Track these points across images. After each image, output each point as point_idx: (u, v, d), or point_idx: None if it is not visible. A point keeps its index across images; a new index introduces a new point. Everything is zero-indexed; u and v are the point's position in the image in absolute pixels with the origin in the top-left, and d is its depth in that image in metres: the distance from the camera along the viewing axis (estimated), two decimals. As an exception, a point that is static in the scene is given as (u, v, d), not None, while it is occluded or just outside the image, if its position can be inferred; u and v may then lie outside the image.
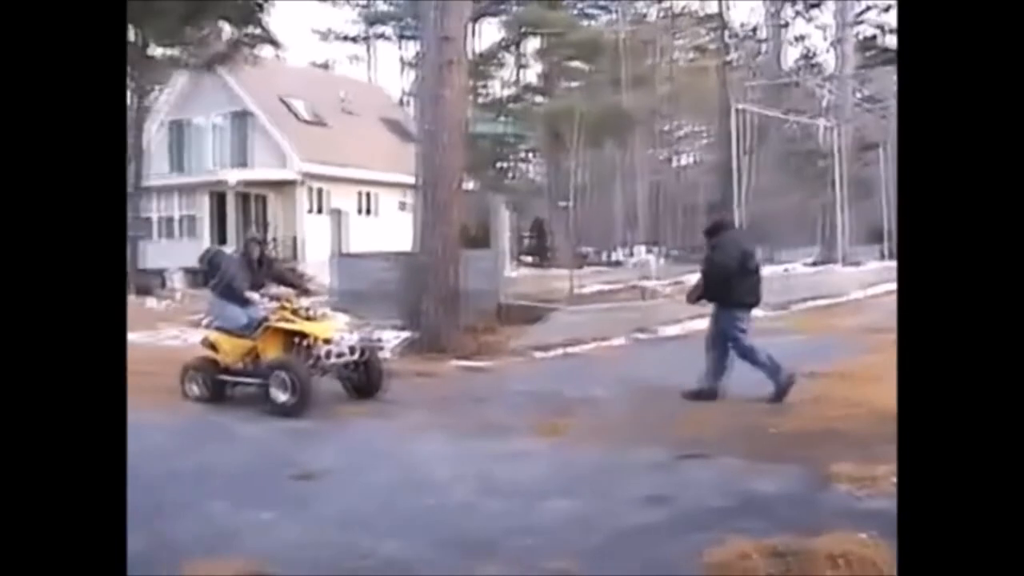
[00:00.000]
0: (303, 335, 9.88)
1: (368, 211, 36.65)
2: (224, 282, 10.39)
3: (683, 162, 79.28)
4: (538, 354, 13.61)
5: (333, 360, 9.89)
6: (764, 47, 51.65)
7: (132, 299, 25.34)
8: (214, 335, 10.46)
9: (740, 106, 27.74)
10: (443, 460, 7.47)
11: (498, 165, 51.81)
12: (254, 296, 10.12)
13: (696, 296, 10.05)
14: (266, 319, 10.00)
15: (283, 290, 10.46)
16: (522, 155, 59.72)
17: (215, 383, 10.25)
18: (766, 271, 25.49)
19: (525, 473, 7.01)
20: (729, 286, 9.54)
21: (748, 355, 9.56)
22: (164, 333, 18.34)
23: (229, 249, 29.21)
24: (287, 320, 9.89)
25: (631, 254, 41.54)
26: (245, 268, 10.42)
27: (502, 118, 45.69)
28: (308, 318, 9.95)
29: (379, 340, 13.50)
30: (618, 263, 39.76)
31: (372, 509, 6.16)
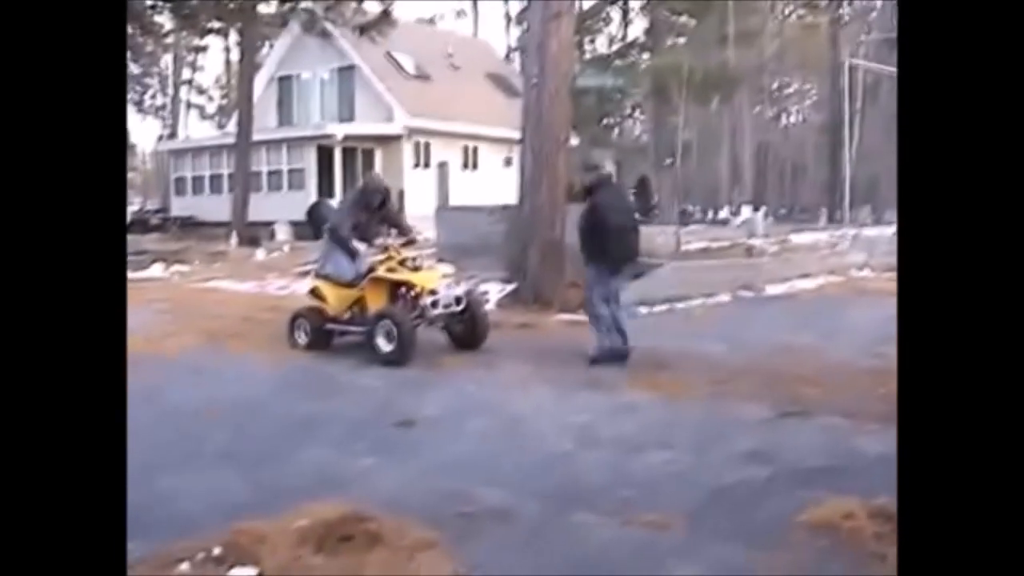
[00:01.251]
0: (409, 285, 9.95)
1: (473, 166, 36.71)
2: (338, 226, 10.46)
3: (790, 120, 77.89)
4: (642, 309, 13.51)
5: (438, 311, 9.96)
6: (878, 1, 50.24)
7: (243, 251, 25.87)
8: (322, 285, 10.58)
9: (851, 62, 27.00)
10: (544, 411, 7.49)
11: (603, 121, 51.41)
12: (360, 248, 10.18)
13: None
14: (372, 269, 10.08)
15: (390, 241, 10.50)
16: (627, 112, 59.20)
17: (322, 332, 10.40)
18: (875, 231, 24.90)
19: (625, 426, 7.00)
20: (605, 243, 9.52)
21: (596, 313, 9.64)
22: (272, 283, 18.65)
23: (334, 202, 29.67)
24: (393, 271, 9.96)
25: (736, 213, 40.95)
26: (361, 211, 10.45)
27: (607, 73, 45.26)
28: (414, 269, 10.02)
29: (484, 292, 13.55)
30: (723, 221, 39.26)
31: (473, 458, 6.22)
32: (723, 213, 45.55)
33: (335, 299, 10.37)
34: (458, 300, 10.09)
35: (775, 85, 64.15)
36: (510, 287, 14.42)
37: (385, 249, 10.27)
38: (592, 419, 7.21)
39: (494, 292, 14.25)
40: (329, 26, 31.34)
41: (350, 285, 10.27)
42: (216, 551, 4.41)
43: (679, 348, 10.23)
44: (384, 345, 9.48)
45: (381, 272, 10.00)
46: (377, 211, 10.62)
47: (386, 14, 30.08)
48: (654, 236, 23.77)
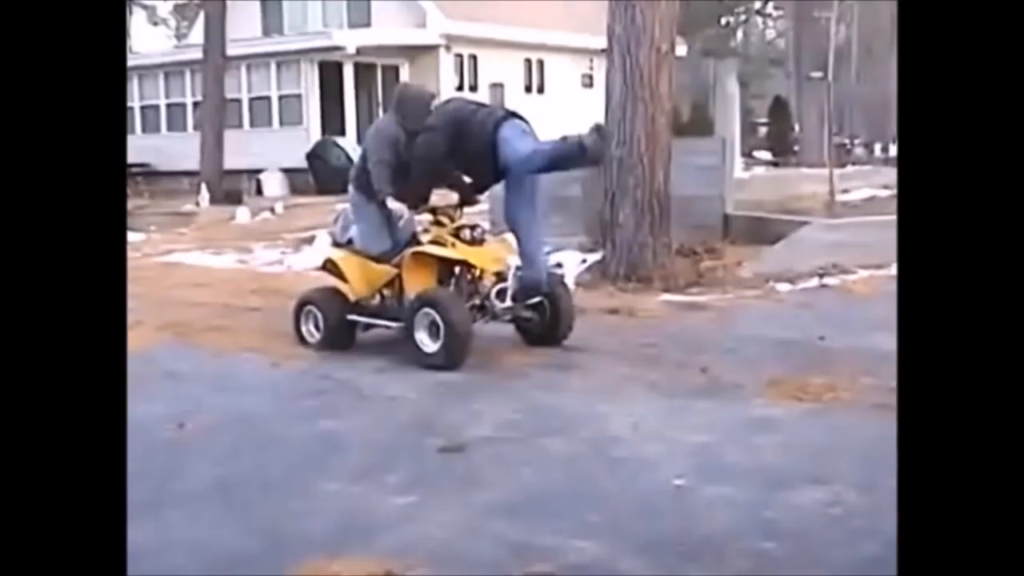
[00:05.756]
0: (466, 265, 9.93)
1: (538, 88, 36.69)
2: (372, 168, 10.12)
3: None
4: (781, 286, 13.48)
5: (507, 303, 9.85)
6: None
7: (218, 211, 26.13)
8: (341, 257, 10.52)
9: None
10: (648, 430, 7.53)
11: (722, 20, 51.13)
12: (399, 208, 9.97)
13: None
14: (414, 238, 10.06)
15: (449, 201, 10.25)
16: (755, 6, 58.78)
17: (341, 324, 10.34)
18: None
19: (763, 450, 7.03)
20: None
21: None
22: (261, 256, 18.80)
23: (346, 141, 29.73)
24: (442, 243, 9.83)
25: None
26: (402, 141, 10.09)
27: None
28: (472, 241, 9.82)
29: (558, 265, 13.51)
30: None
31: (549, 496, 6.28)
32: (896, 149, 45.14)
33: (360, 278, 10.29)
34: (537, 290, 9.98)
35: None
36: (593, 257, 14.45)
37: (433, 211, 10.11)
38: (715, 440, 7.24)
39: (571, 264, 14.27)
40: None
41: (382, 259, 10.17)
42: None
43: (836, 340, 10.21)
44: (427, 343, 9.41)
45: (426, 246, 9.91)
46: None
47: None
48: (798, 182, 23.69)
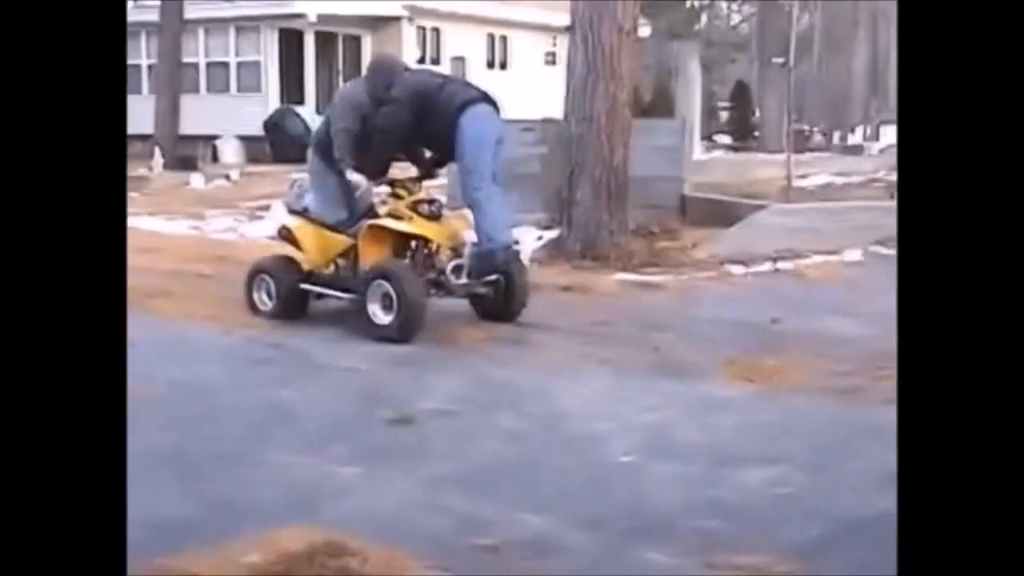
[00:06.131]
0: (422, 239, 9.90)
1: (501, 63, 36.62)
2: (335, 136, 10.00)
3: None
4: (736, 268, 13.51)
5: (462, 280, 9.84)
6: None
7: (172, 176, 25.97)
8: (297, 225, 10.45)
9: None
10: (599, 407, 7.57)
11: (687, 3, 51.15)
12: (358, 179, 9.80)
13: None
14: (372, 210, 10.01)
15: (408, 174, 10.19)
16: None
17: (294, 293, 10.30)
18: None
19: (713, 429, 7.06)
20: None
21: None
22: (215, 224, 18.73)
23: (306, 110, 29.65)
24: (399, 216, 9.81)
25: (875, 136, 40.76)
26: (370, 110, 9.96)
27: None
28: (431, 216, 9.81)
29: (515, 241, 13.46)
30: (856, 148, 39.06)
31: (497, 469, 6.29)
32: (855, 137, 45.33)
33: (315, 247, 10.25)
34: (493, 267, 9.93)
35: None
36: (550, 234, 14.44)
37: (391, 183, 10.06)
38: (666, 419, 7.27)
39: (528, 240, 14.25)
40: None
41: (338, 229, 10.14)
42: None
43: (789, 324, 10.25)
44: (380, 315, 9.40)
45: (384, 219, 9.87)
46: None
47: None
48: (756, 166, 23.75)
